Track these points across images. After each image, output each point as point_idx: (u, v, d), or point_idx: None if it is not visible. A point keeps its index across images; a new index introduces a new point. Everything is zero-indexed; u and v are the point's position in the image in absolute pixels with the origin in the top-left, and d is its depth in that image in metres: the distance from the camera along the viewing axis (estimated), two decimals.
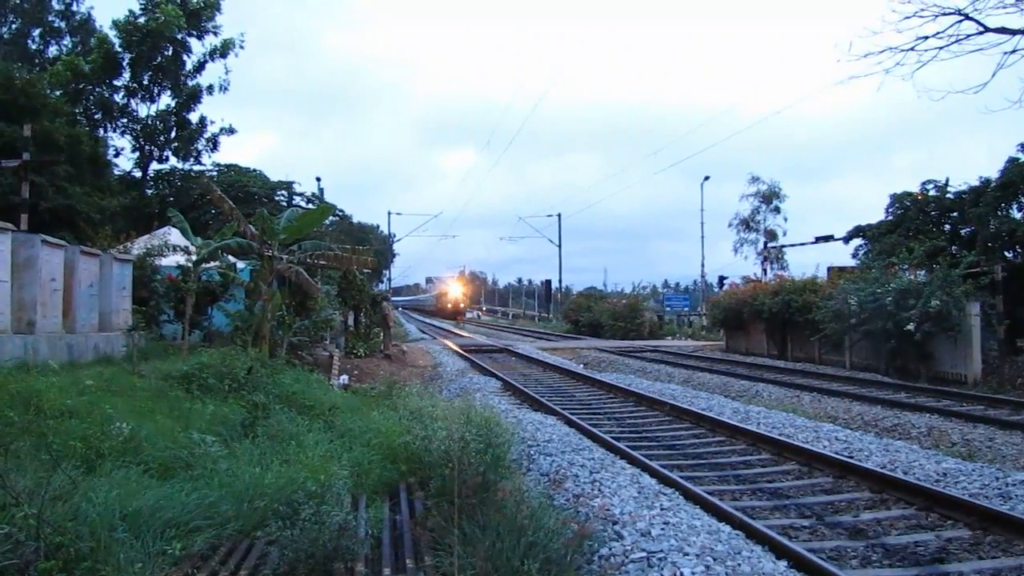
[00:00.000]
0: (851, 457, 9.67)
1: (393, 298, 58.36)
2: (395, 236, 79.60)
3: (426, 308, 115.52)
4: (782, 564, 5.82)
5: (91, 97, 36.99)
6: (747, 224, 55.41)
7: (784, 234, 54.49)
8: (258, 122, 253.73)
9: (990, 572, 6.01)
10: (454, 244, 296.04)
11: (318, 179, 49.38)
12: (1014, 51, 16.76)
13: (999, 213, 24.60)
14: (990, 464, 9.49)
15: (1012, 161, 24.67)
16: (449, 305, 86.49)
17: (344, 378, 17.58)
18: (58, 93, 32.80)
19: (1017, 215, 24.72)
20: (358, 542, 5.74)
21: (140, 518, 5.58)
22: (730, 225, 56.08)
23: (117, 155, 39.33)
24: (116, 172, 38.79)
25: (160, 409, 9.71)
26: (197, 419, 9.24)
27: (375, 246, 48.47)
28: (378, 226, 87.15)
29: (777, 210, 55.41)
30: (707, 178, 52.12)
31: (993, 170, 25.90)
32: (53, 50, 40.83)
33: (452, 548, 5.52)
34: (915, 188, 29.44)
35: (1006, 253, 23.96)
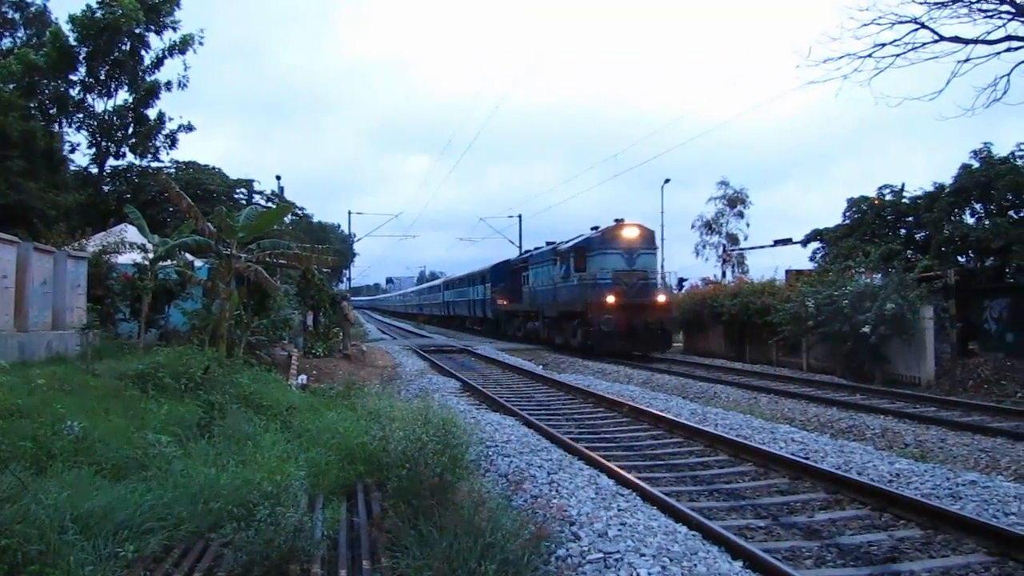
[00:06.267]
0: (807, 458, 9.77)
1: (353, 298, 57.41)
2: (355, 236, 78.15)
3: (396, 310, 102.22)
4: (738, 564, 5.86)
5: (46, 91, 36.31)
6: (710, 226, 56.00)
7: (745, 238, 55.09)
8: (217, 125, 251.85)
9: (940, 571, 6.10)
10: (414, 244, 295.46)
11: (278, 177, 48.94)
12: (967, 60, 17.14)
13: (952, 218, 25.05)
14: (942, 465, 9.65)
15: (965, 168, 25.12)
16: (614, 298, 27.84)
17: (302, 378, 17.45)
18: (11, 87, 32.20)
19: (970, 220, 25.18)
20: (314, 543, 5.70)
21: (92, 520, 5.49)
22: (693, 227, 56.60)
23: (73, 151, 38.63)
24: (72, 168, 38.11)
25: (114, 409, 9.57)
26: (152, 419, 9.12)
27: (335, 245, 48.13)
28: (339, 225, 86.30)
29: (741, 215, 56.08)
30: (667, 181, 52.17)
31: (932, 179, 26.48)
32: (7, 42, 40.05)
33: (409, 549, 5.50)
34: (857, 195, 29.99)
35: (959, 258, 24.40)
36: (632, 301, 27.89)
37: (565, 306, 31.17)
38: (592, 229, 30.91)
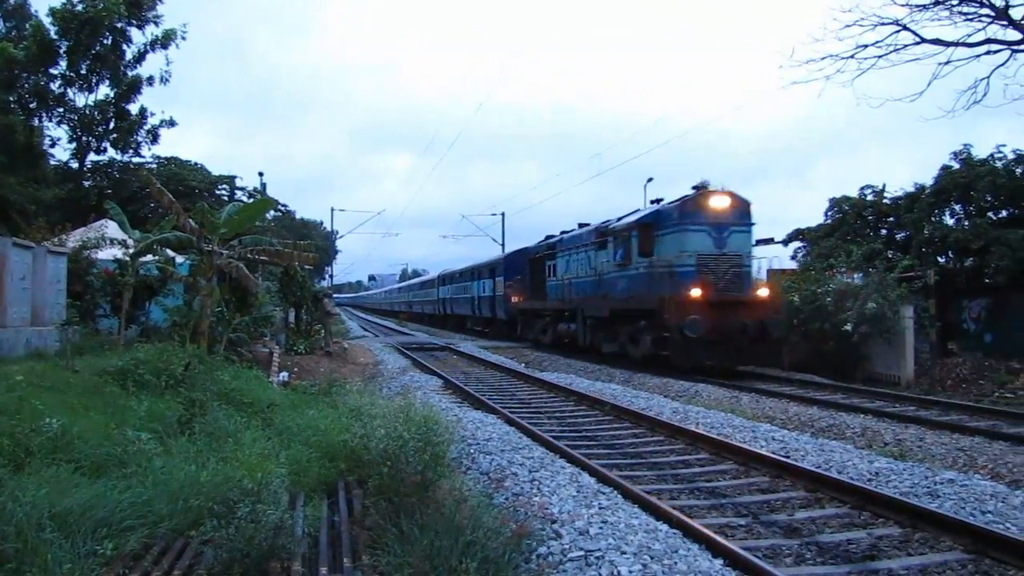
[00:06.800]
0: (787, 457, 9.82)
1: (336, 295, 56.75)
2: (338, 232, 77.73)
3: (382, 307, 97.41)
4: (718, 562, 5.88)
5: (25, 85, 36.00)
6: None
7: None
8: (199, 121, 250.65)
9: (918, 568, 6.15)
10: (396, 242, 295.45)
11: (260, 174, 48.46)
12: (948, 62, 17.31)
13: (933, 219, 25.28)
14: (920, 463, 9.71)
15: (945, 169, 25.34)
16: (701, 291, 20.00)
17: (284, 375, 17.39)
18: None
19: (950, 221, 25.41)
20: (295, 541, 5.68)
21: (70, 517, 5.45)
22: None
23: (53, 145, 38.27)
24: (52, 163, 37.81)
25: (94, 405, 9.50)
26: (132, 416, 9.05)
27: (317, 242, 47.90)
28: (321, 222, 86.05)
29: None
30: (650, 180, 52.50)
31: (913, 179, 26.77)
32: None
33: (390, 547, 5.50)
34: (839, 195, 30.26)
35: (939, 258, 24.62)
36: (724, 296, 20.34)
37: (621, 303, 23.33)
38: (653, 202, 24.08)
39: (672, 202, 22.29)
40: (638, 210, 24.50)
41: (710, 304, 19.75)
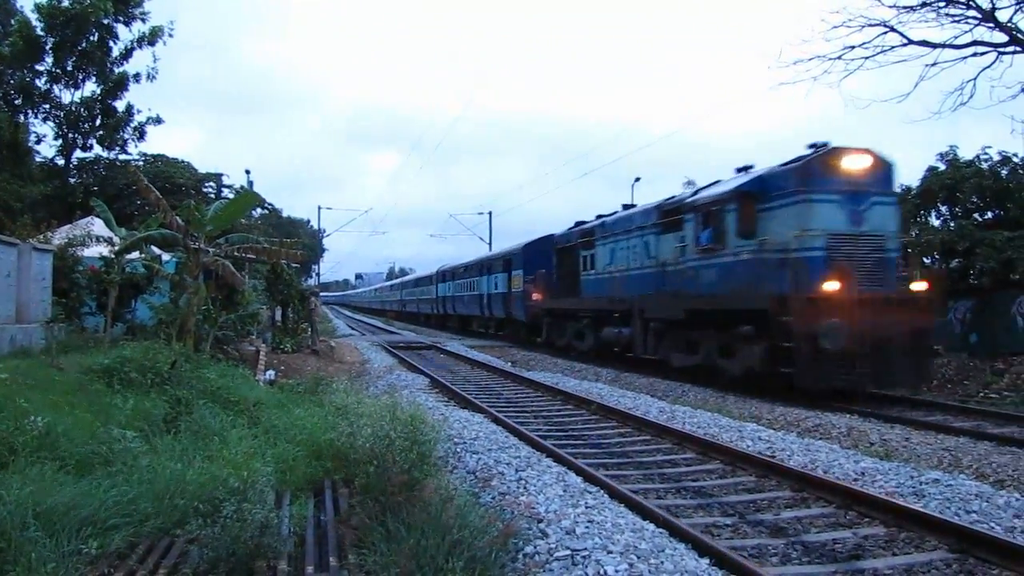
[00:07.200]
0: (774, 457, 9.84)
1: (323, 294, 56.19)
2: (324, 231, 77.60)
3: (371, 306, 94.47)
4: (704, 562, 5.89)
5: (11, 81, 35.78)
6: None
7: None
8: (185, 120, 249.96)
9: (903, 568, 6.17)
10: (384, 241, 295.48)
11: (247, 171, 48.34)
12: (934, 64, 17.40)
13: (918, 220, 25.36)
14: (905, 463, 9.73)
15: (931, 170, 25.43)
16: (839, 285, 14.39)
17: (270, 373, 17.33)
18: None
19: (935, 223, 25.50)
20: (281, 540, 5.67)
21: (55, 516, 5.43)
22: None
23: (39, 142, 38.07)
24: (37, 159, 37.63)
25: (79, 403, 9.45)
26: (118, 414, 9.02)
27: (304, 240, 47.75)
28: (308, 220, 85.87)
29: None
30: (638, 179, 52.56)
31: (898, 180, 26.83)
32: None
33: (376, 546, 5.49)
34: None
35: (924, 260, 24.70)
36: (867, 292, 14.72)
37: (706, 301, 17.76)
38: (740, 170, 18.25)
39: (786, 164, 16.35)
40: (719, 181, 18.89)
41: (852, 303, 14.42)
